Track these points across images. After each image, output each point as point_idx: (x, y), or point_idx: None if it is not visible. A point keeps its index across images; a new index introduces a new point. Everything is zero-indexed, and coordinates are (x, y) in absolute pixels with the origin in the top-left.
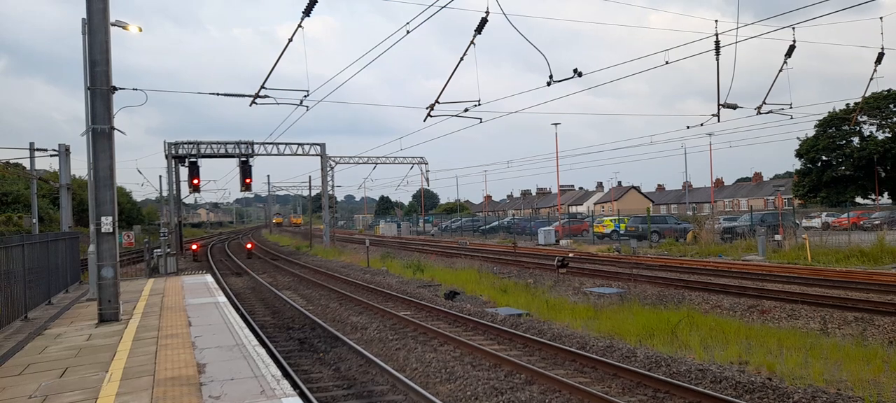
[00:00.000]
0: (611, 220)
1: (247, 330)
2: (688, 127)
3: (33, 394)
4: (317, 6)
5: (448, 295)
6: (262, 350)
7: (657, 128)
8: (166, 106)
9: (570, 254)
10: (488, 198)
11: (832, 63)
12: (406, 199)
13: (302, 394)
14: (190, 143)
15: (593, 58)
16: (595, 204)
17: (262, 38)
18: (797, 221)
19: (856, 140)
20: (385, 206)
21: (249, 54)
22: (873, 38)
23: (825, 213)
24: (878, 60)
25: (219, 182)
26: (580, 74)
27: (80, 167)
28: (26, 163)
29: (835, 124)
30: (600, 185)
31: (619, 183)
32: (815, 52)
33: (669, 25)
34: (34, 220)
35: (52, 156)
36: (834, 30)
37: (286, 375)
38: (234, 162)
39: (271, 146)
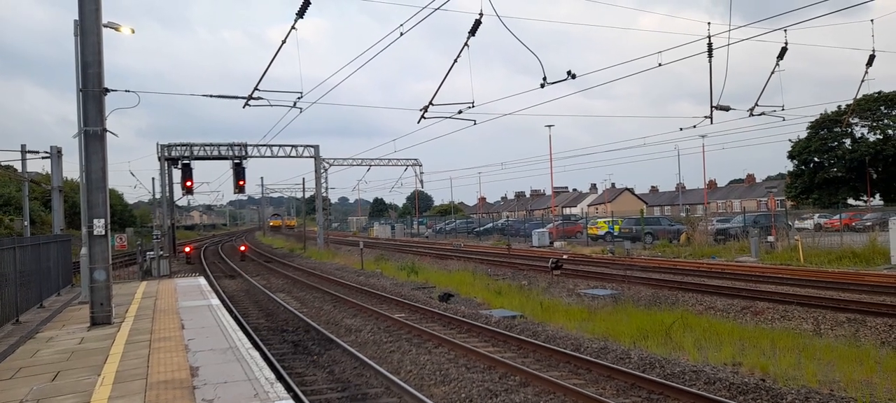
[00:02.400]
0: (605, 222)
1: (240, 333)
2: (681, 128)
3: (25, 398)
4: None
5: (442, 297)
6: (256, 353)
7: (649, 130)
8: (157, 107)
9: (564, 256)
10: (483, 199)
11: (822, 65)
12: (400, 201)
13: (296, 397)
14: (183, 145)
15: (583, 59)
16: (589, 205)
17: (251, 39)
18: (790, 223)
19: (847, 142)
20: (379, 208)
21: (239, 56)
22: (863, 41)
23: (817, 215)
24: (870, 62)
25: (212, 184)
26: (574, 76)
27: (71, 169)
28: (17, 166)
29: (826, 126)
30: (594, 187)
31: (613, 184)
32: (805, 55)
33: (658, 27)
34: (26, 223)
35: (43, 158)
36: (824, 32)
37: (280, 378)
38: (228, 164)
39: (265, 148)
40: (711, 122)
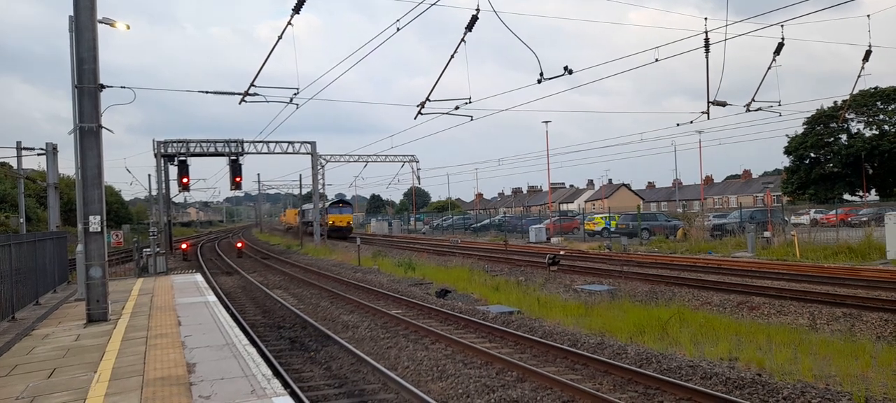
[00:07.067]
0: (601, 218)
1: (237, 330)
2: (678, 124)
3: (21, 395)
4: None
5: (439, 293)
6: (253, 350)
7: (644, 126)
8: (148, 103)
9: (561, 252)
10: (479, 195)
11: (818, 61)
12: (397, 198)
13: (293, 393)
14: (179, 142)
15: (576, 56)
16: (586, 201)
17: (240, 36)
18: (786, 218)
19: (843, 137)
20: (376, 205)
21: (228, 52)
22: (858, 37)
23: (813, 210)
24: (866, 58)
25: (208, 180)
26: (570, 72)
27: (67, 166)
28: (12, 162)
29: (823, 121)
30: (591, 183)
31: (610, 180)
32: (800, 50)
33: (651, 22)
34: (21, 220)
35: (39, 155)
36: (819, 28)
37: (277, 374)
38: (224, 160)
39: (261, 144)
40: (708, 118)
